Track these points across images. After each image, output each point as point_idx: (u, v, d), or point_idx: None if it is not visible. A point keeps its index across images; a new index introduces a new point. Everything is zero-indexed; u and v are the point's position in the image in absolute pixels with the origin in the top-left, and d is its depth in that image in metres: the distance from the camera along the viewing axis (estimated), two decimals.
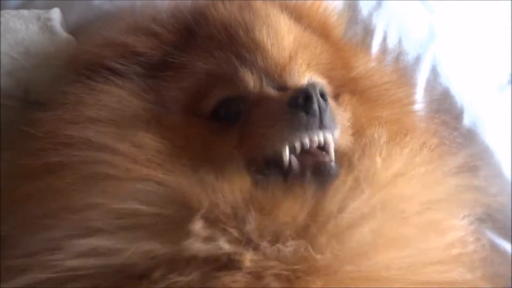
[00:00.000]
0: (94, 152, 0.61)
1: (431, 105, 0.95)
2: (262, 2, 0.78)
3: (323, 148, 0.62)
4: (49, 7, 0.82)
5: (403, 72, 0.94)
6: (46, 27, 0.77)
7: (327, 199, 0.58)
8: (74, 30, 0.83)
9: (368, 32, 0.97)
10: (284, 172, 0.60)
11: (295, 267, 0.54)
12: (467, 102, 0.96)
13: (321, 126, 0.61)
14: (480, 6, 1.29)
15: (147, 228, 0.55)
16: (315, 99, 0.60)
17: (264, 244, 0.54)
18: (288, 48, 0.72)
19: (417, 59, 0.97)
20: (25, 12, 0.79)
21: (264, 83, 0.68)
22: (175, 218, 0.55)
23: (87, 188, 0.59)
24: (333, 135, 0.63)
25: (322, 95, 0.61)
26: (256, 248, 0.54)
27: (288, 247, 0.54)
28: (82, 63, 0.73)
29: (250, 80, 0.68)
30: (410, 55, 0.97)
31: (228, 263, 0.54)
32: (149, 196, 0.57)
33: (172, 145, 0.64)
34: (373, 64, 0.87)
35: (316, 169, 0.60)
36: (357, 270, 0.55)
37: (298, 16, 0.79)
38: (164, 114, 0.68)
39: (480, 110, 0.96)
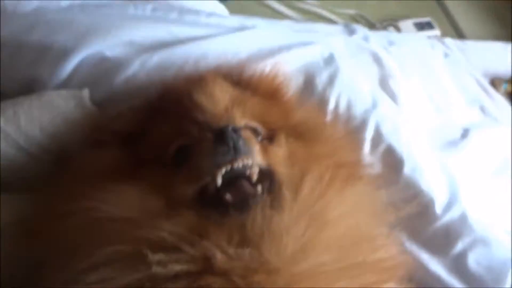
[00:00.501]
0: (88, 201, 0.74)
1: (378, 156, 1.15)
2: (206, 75, 0.96)
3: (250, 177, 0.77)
4: (81, 87, 1.07)
5: (352, 131, 1.14)
6: (80, 103, 1.00)
7: (252, 224, 0.70)
8: (100, 105, 1.07)
9: (322, 102, 1.19)
10: (221, 204, 0.74)
11: (253, 268, 0.66)
12: (406, 154, 1.14)
13: (237, 152, 0.76)
14: (436, 69, 1.53)
15: (126, 262, 0.67)
16: (228, 134, 0.76)
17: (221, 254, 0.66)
18: (223, 103, 0.87)
19: (363, 122, 1.17)
20: (64, 92, 1.03)
21: (205, 131, 0.82)
22: (139, 252, 0.67)
23: (87, 230, 0.74)
24: (252, 159, 0.78)
25: (235, 130, 0.77)
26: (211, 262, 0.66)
27: (244, 254, 0.67)
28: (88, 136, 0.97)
29: (195, 131, 0.83)
30: (357, 119, 1.18)
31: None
32: (123, 236, 0.70)
33: (141, 190, 0.77)
34: (309, 113, 1.06)
35: (243, 199, 0.74)
36: (299, 267, 0.67)
37: (244, 84, 1.00)
38: (138, 168, 0.84)
39: (418, 161, 1.15)
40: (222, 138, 0.77)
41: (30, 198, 0.92)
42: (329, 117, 1.18)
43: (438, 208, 1.11)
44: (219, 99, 0.89)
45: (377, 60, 1.46)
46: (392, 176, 1.13)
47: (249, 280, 0.65)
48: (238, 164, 0.77)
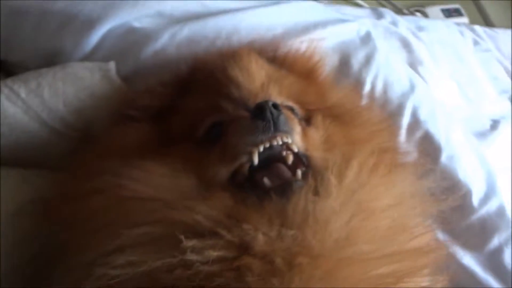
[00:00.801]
0: (117, 179, 0.72)
1: (415, 143, 1.10)
2: (241, 51, 0.93)
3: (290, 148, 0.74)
4: (106, 60, 1.02)
5: (390, 116, 1.09)
6: (106, 76, 0.96)
7: (294, 210, 0.67)
8: (126, 78, 1.02)
9: (358, 83, 1.13)
10: (258, 188, 0.71)
11: (295, 251, 0.63)
12: (444, 141, 1.10)
13: (276, 129, 0.72)
14: (466, 56, 1.48)
15: (157, 245, 0.65)
16: (267, 109, 0.72)
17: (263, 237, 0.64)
18: (259, 80, 0.84)
19: (399, 107, 1.13)
20: (89, 64, 0.98)
21: (240, 109, 0.79)
22: (172, 235, 0.64)
23: (114, 209, 0.70)
24: (292, 138, 0.74)
25: (275, 106, 0.73)
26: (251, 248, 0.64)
27: (287, 236, 0.64)
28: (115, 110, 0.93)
29: (229, 107, 0.80)
30: (394, 103, 1.13)
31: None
32: (154, 216, 0.67)
33: (172, 169, 0.74)
34: (345, 94, 1.00)
35: (284, 184, 0.71)
36: (341, 254, 0.65)
37: (280, 61, 0.96)
38: (169, 145, 0.81)
39: (455, 149, 1.10)
40: (261, 113, 0.73)
41: (52, 175, 0.89)
42: (365, 100, 1.13)
43: (475, 200, 1.07)
44: (255, 75, 0.85)
45: (406, 45, 1.41)
46: (429, 165, 1.07)
47: (291, 262, 0.62)
48: (278, 141, 0.73)
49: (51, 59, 1.05)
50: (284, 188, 0.70)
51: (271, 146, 0.73)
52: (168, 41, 1.06)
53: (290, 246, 0.63)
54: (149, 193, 0.70)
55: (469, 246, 1.02)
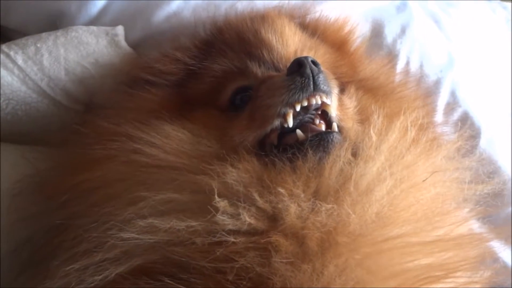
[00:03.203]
0: (133, 143, 0.67)
1: (452, 124, 1.01)
2: (272, 13, 0.87)
3: (323, 117, 0.69)
4: (114, 25, 0.92)
5: (425, 92, 1.00)
6: (113, 41, 0.87)
7: (331, 169, 0.62)
8: (136, 45, 0.94)
9: (392, 57, 1.04)
10: (290, 148, 0.65)
11: (331, 228, 0.57)
12: (485, 124, 1.02)
13: (316, 88, 0.67)
14: (498, 35, 1.36)
15: (182, 211, 0.60)
16: (307, 64, 0.67)
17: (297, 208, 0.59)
18: (293, 46, 0.79)
19: (437, 83, 1.04)
20: (94, 28, 0.89)
21: (271, 72, 0.75)
22: (200, 201, 0.60)
23: (131, 176, 0.65)
24: (330, 100, 0.69)
25: (314, 63, 0.68)
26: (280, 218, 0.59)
27: (322, 211, 0.58)
28: (127, 76, 0.85)
29: (258, 71, 0.75)
30: (431, 79, 1.04)
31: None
32: (179, 183, 0.63)
33: (193, 134, 0.70)
34: (379, 68, 0.93)
35: (318, 138, 0.65)
36: (382, 234, 0.59)
37: (312, 28, 0.88)
38: (188, 111, 0.75)
39: (496, 132, 1.02)
40: (299, 69, 0.67)
41: (52, 150, 0.81)
42: (399, 75, 1.02)
43: None
44: (289, 40, 0.79)
45: (436, 21, 1.27)
46: (467, 147, 0.99)
47: (325, 243, 0.57)
48: (317, 100, 0.68)
49: (54, 23, 0.95)
50: (320, 140, 0.65)
51: (307, 107, 0.67)
52: (183, 3, 0.96)
53: (326, 221, 0.58)
54: (169, 160, 0.66)
55: (507, 238, 0.91)
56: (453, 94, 1.04)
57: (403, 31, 1.07)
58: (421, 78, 1.04)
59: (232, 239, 0.56)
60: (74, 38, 0.86)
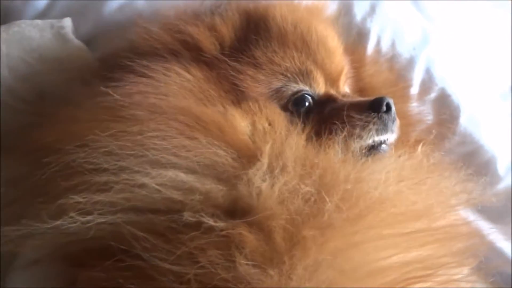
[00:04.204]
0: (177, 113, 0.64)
1: (429, 104, 0.98)
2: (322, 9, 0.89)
3: None
4: (62, 18, 0.87)
5: (398, 73, 0.98)
6: (59, 34, 0.82)
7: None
8: (87, 39, 0.88)
9: (362, 36, 1.00)
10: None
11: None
12: (464, 101, 0.97)
13: (393, 129, 0.75)
14: (480, 13, 1.31)
15: (215, 174, 0.58)
16: (391, 108, 0.74)
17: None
18: (341, 60, 0.83)
19: (410, 61, 0.99)
20: (39, 21, 0.84)
21: (328, 86, 0.78)
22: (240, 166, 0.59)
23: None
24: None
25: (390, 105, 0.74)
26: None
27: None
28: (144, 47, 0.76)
29: (321, 81, 0.78)
30: (403, 57, 1.00)
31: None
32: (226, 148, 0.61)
33: (254, 123, 0.69)
34: (374, 68, 0.94)
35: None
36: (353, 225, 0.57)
37: None
38: (241, 99, 0.73)
39: (476, 110, 0.98)
40: (387, 110, 0.75)
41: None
42: (370, 55, 0.99)
43: (501, 168, 0.94)
44: (339, 57, 0.83)
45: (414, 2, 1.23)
46: (446, 128, 0.96)
47: (293, 239, 0.54)
48: (391, 140, 0.76)
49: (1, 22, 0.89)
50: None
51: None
52: None
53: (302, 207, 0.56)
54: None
55: (495, 218, 0.90)
56: (428, 72, 1.00)
57: (372, 9, 1.03)
58: (393, 57, 1.00)
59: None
60: (17, 33, 0.81)
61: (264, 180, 0.57)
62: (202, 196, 0.56)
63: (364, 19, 1.01)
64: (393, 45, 1.01)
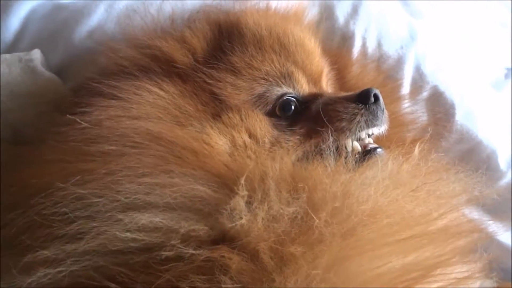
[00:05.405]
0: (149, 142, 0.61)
1: (422, 103, 0.95)
2: (299, 16, 0.88)
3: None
4: (32, 49, 0.84)
5: (386, 73, 0.95)
6: (28, 68, 0.78)
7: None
8: (59, 69, 0.85)
9: (346, 39, 0.96)
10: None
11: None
12: (458, 97, 0.95)
13: (383, 120, 0.73)
14: (466, 4, 1.29)
15: (194, 210, 0.55)
16: (379, 98, 0.73)
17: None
18: (320, 61, 0.82)
19: (399, 61, 0.96)
20: (7, 56, 0.80)
21: (311, 86, 0.77)
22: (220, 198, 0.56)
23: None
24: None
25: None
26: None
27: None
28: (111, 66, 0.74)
29: (303, 82, 0.76)
30: (391, 58, 0.97)
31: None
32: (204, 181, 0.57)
33: (233, 139, 0.67)
34: (360, 70, 0.92)
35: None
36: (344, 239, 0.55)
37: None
38: (221, 110, 0.70)
39: (472, 105, 0.95)
40: (376, 101, 0.73)
41: None
42: (355, 57, 0.96)
43: (502, 162, 0.92)
44: (316, 50, 0.82)
45: None
46: (442, 127, 0.93)
47: (282, 258, 0.51)
48: (381, 130, 0.75)
49: None
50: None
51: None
52: (105, 15, 0.87)
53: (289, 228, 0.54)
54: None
55: (498, 215, 0.87)
56: (418, 70, 0.97)
57: (355, 10, 0.99)
58: (380, 58, 0.97)
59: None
60: None
61: (245, 215, 0.53)
62: (183, 235, 0.52)
63: (347, 22, 0.98)
64: (379, 45, 0.98)
